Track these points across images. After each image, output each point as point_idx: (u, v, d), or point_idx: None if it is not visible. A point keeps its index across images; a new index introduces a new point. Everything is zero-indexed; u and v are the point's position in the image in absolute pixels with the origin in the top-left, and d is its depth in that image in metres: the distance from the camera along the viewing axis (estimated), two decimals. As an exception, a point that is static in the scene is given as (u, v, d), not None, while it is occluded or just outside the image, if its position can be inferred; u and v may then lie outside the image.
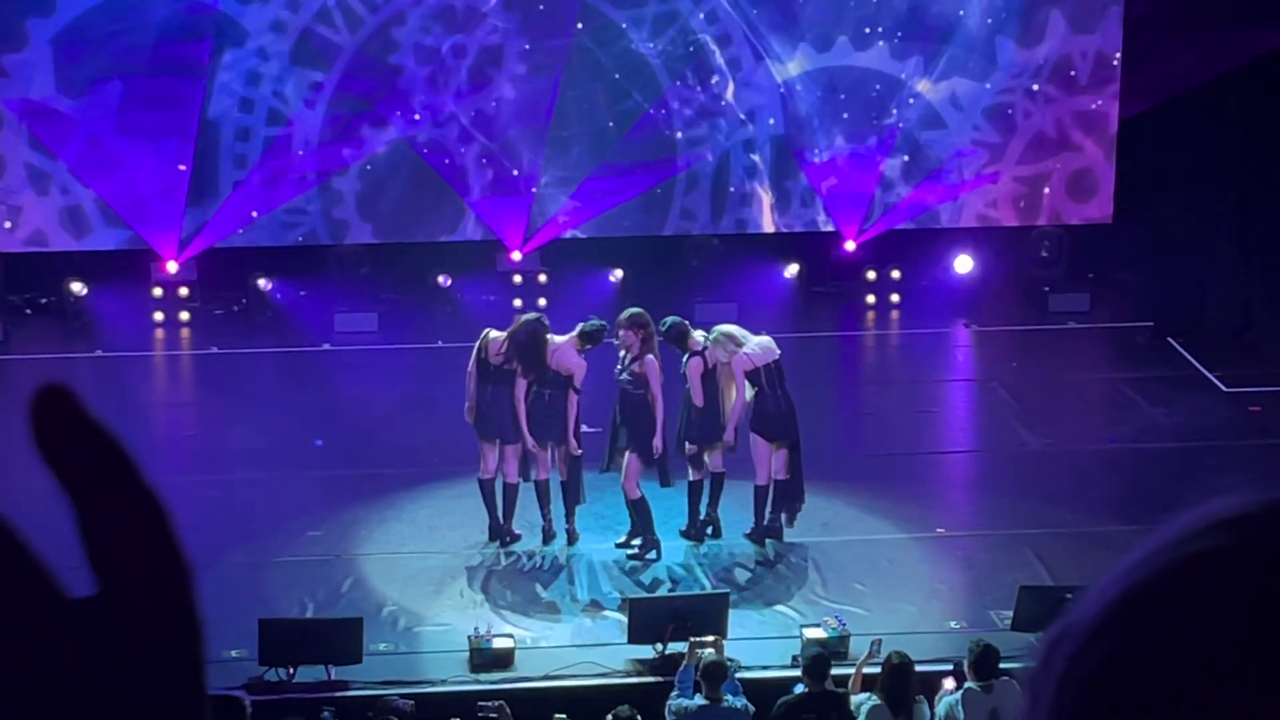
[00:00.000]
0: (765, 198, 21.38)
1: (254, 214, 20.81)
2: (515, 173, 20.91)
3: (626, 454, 15.07)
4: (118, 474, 1.09)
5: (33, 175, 20.44)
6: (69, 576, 1.10)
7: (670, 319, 15.37)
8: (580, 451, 15.13)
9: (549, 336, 15.10)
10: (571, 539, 15.36)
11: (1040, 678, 1.12)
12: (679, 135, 21.08)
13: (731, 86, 21.04)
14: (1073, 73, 21.26)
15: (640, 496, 15.07)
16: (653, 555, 15.15)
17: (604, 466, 15.22)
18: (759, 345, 15.12)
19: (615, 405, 15.17)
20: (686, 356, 15.15)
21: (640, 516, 15.13)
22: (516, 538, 15.38)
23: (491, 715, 12.12)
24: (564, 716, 12.30)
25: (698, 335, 15.20)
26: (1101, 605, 1.10)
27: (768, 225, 21.45)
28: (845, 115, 21.17)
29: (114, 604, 1.08)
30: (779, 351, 15.20)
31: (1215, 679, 1.04)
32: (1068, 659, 1.10)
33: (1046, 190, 21.59)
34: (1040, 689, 1.12)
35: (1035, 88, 21.27)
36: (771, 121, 21.15)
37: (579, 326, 15.17)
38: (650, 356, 15.00)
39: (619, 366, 15.13)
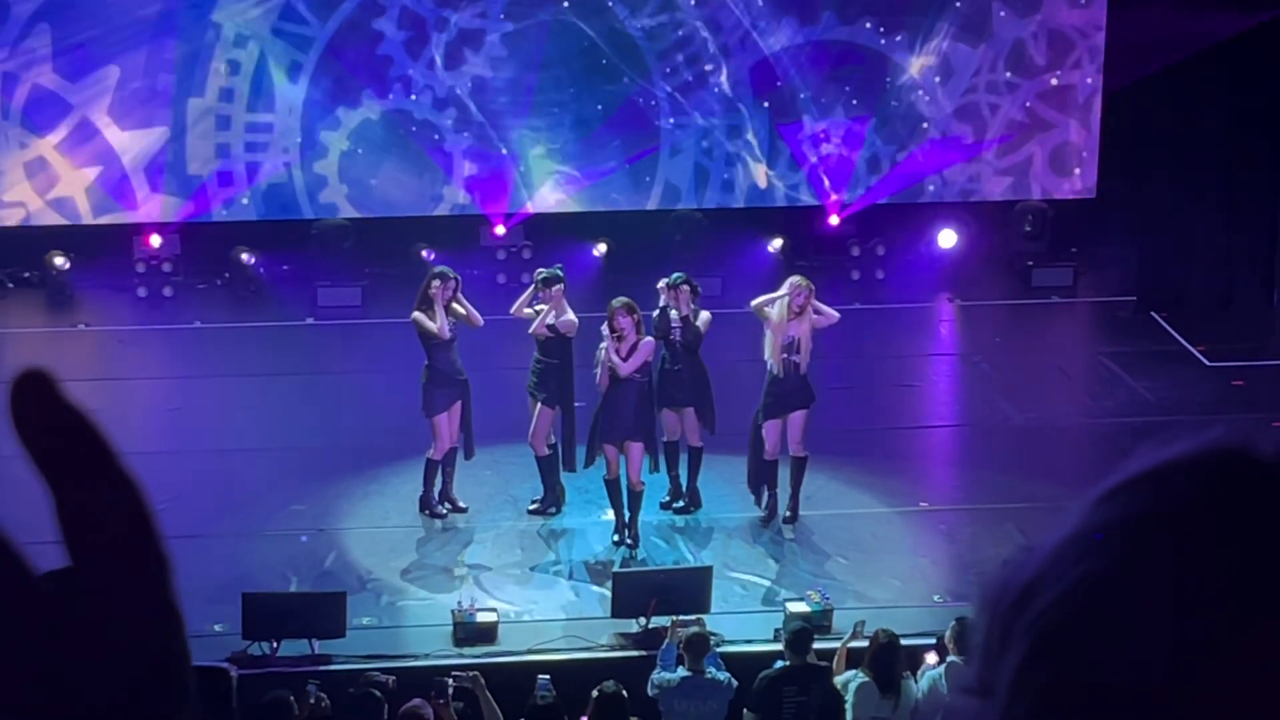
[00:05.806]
0: (748, 171, 21.34)
1: (229, 173, 20.75)
2: (496, 139, 20.86)
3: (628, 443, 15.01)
4: (96, 461, 1.09)
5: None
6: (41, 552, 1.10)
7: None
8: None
9: (525, 311, 15.22)
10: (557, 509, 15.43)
11: (992, 628, 1.14)
12: (663, 108, 21.03)
13: (716, 58, 20.98)
14: (1055, 47, 21.25)
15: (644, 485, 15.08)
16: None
17: (588, 462, 15.17)
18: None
19: (609, 398, 15.00)
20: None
21: (636, 502, 15.08)
22: (463, 509, 15.47)
23: (465, 684, 12.12)
24: (547, 677, 12.30)
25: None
26: (1040, 561, 1.17)
27: (751, 199, 21.41)
28: (830, 89, 21.13)
29: (91, 592, 1.08)
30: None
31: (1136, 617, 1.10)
32: (1015, 607, 1.14)
33: (1030, 166, 21.59)
34: (991, 639, 1.14)
35: (1017, 62, 21.27)
36: (744, 85, 21.11)
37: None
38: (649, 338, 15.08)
39: (616, 355, 14.92)
